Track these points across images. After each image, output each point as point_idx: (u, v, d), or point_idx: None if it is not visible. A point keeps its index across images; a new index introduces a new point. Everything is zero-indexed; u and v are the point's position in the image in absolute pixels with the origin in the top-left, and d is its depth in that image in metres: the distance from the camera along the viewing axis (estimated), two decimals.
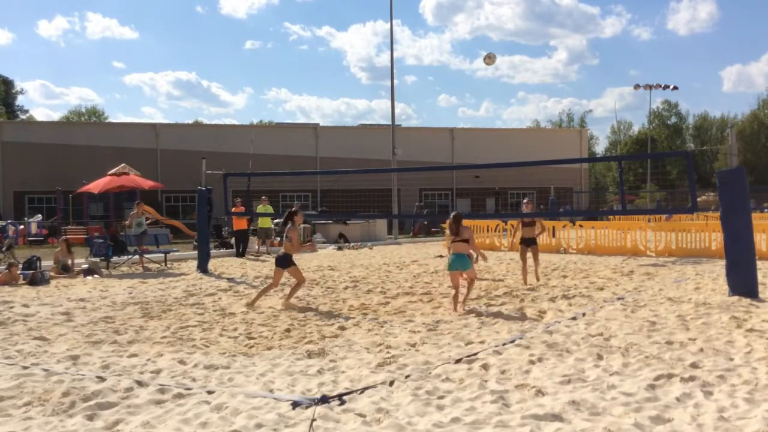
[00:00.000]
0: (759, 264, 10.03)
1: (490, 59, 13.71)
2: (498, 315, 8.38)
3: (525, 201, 13.03)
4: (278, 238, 22.67)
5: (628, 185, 50.77)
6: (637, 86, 54.24)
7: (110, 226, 22.26)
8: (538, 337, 6.94)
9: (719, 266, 12.06)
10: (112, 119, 77.17)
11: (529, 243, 11.76)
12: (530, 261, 11.76)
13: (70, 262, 14.00)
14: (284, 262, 9.46)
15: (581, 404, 4.63)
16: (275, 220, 20.20)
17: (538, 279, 11.79)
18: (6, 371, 5.78)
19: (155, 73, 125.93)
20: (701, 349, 6.19)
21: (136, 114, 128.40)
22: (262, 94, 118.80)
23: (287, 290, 9.84)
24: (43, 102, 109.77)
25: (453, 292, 8.99)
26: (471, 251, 9.15)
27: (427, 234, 30.26)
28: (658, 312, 8.23)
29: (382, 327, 7.79)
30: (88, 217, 29.66)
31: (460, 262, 8.91)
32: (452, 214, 9.28)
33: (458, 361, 5.94)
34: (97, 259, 15.17)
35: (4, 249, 16.85)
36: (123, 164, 23.51)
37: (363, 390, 5.07)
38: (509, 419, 4.38)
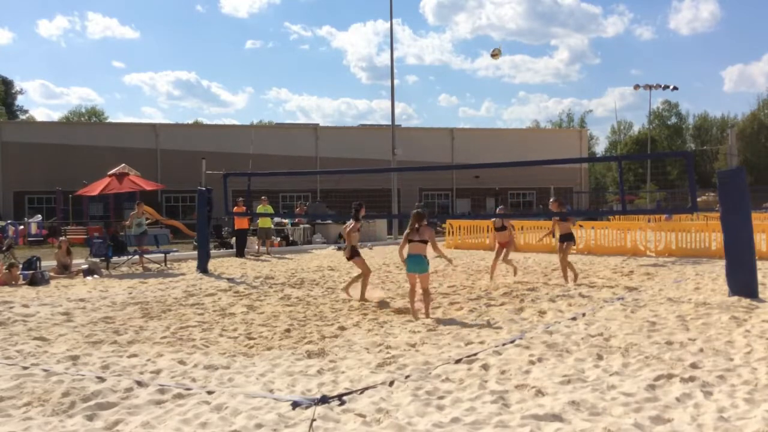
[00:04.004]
0: (759, 264, 10.03)
1: (496, 54, 13.84)
2: (498, 315, 8.38)
3: (499, 208, 13.27)
4: (277, 238, 22.71)
5: (628, 185, 50.78)
6: (637, 86, 54.40)
7: (110, 227, 22.25)
8: (538, 337, 6.93)
9: (719, 266, 12.06)
10: (112, 119, 77.29)
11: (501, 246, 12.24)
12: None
13: (69, 262, 14.00)
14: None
15: (581, 404, 4.63)
16: (275, 220, 20.20)
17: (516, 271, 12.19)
18: (6, 371, 5.78)
19: (155, 72, 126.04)
20: (701, 350, 6.19)
21: (136, 114, 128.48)
22: (262, 94, 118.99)
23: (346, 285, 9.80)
24: (43, 102, 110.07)
25: (411, 292, 8.63)
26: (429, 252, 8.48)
27: None
28: (658, 312, 8.23)
29: (382, 327, 7.79)
30: (88, 217, 29.66)
31: (417, 265, 8.40)
32: (414, 211, 8.59)
33: (458, 361, 5.94)
34: (97, 259, 15.16)
35: (4, 249, 16.86)
36: (123, 164, 23.55)
37: (363, 390, 5.07)
38: (509, 419, 4.38)
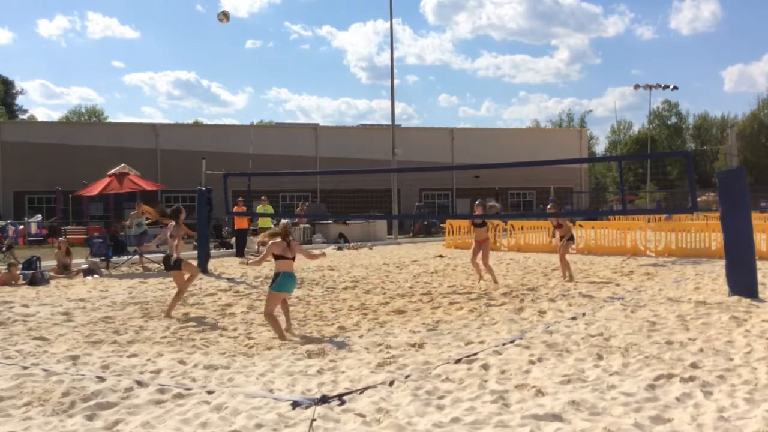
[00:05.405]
0: (759, 264, 10.03)
1: (224, 17, 13.40)
2: (498, 315, 8.38)
3: (477, 203, 12.75)
4: None
5: (628, 185, 50.79)
6: (637, 86, 54.39)
7: (110, 226, 22.24)
8: (538, 337, 6.94)
9: (719, 266, 12.06)
10: (112, 119, 77.10)
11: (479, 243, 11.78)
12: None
13: (68, 262, 14.02)
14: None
15: (581, 404, 4.63)
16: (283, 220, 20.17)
17: (481, 278, 11.67)
18: (6, 371, 5.78)
19: (155, 72, 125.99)
20: (701, 349, 6.19)
21: (136, 114, 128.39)
22: (262, 94, 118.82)
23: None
24: (43, 102, 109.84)
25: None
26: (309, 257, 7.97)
27: (427, 234, 30.27)
28: (658, 312, 8.23)
29: (382, 327, 7.79)
30: (88, 217, 29.66)
31: (294, 285, 7.58)
32: (284, 221, 7.48)
33: (458, 361, 5.94)
34: (97, 259, 15.18)
35: (4, 249, 16.86)
36: (123, 164, 23.52)
37: (363, 390, 5.07)
38: (509, 419, 4.38)
